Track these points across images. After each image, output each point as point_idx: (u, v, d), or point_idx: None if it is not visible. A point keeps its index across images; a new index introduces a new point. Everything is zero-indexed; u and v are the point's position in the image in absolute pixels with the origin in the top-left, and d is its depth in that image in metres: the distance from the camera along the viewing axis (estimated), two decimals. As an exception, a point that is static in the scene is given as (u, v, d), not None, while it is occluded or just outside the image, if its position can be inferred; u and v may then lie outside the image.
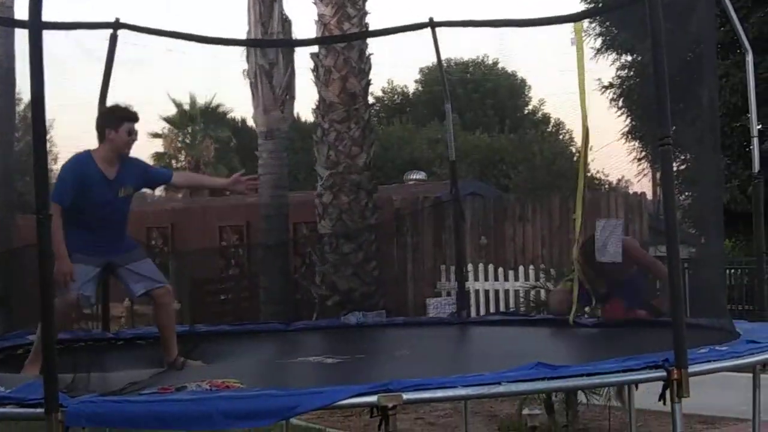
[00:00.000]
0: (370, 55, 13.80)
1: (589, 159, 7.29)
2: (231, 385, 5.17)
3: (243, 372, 6.19)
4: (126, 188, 7.00)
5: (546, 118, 43.45)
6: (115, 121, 6.89)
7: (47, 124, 4.66)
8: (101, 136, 6.90)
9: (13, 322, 10.62)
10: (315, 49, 13.91)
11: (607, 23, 20.85)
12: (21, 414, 4.62)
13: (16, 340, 7.62)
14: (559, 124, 43.10)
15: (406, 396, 4.62)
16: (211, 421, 4.46)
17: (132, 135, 6.91)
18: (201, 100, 37.86)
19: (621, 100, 21.75)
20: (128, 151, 6.98)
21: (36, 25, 4.54)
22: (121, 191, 6.96)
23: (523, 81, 44.32)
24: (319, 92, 13.90)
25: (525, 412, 9.07)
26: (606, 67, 24.33)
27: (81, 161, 6.91)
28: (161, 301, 7.09)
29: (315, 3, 13.69)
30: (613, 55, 21.89)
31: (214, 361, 7.16)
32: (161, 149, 37.66)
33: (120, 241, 7.06)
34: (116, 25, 8.52)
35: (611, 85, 21.80)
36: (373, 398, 4.57)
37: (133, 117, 7.00)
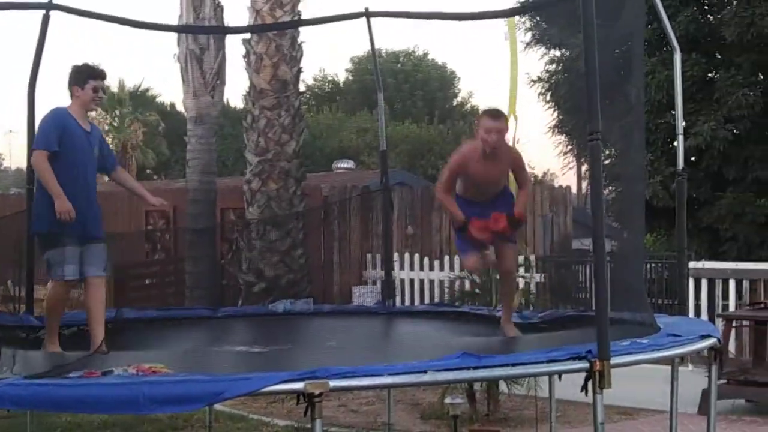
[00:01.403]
0: (302, 42, 13.81)
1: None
2: (158, 370, 5.15)
3: (170, 359, 6.18)
4: (96, 148, 7.34)
5: (474, 111, 43.70)
6: (81, 78, 7.23)
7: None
8: (71, 93, 7.28)
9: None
10: (247, 35, 13.86)
11: (537, 18, 21.03)
12: (-56, 396, 4.57)
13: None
14: (487, 116, 43.39)
15: (332, 383, 4.66)
16: (137, 406, 4.46)
17: (98, 92, 7.25)
18: (129, 83, 37.52)
19: (549, 94, 21.93)
20: (94, 107, 7.47)
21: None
22: (96, 150, 7.32)
23: (452, 73, 44.57)
24: (250, 78, 13.86)
25: (447, 401, 9.15)
26: (535, 61, 24.56)
27: (60, 112, 7.25)
28: (96, 288, 7.17)
29: (248, -11, 13.66)
30: (542, 50, 22.08)
31: (140, 346, 7.14)
32: (88, 131, 37.25)
33: (96, 220, 7.30)
34: (49, 6, 8.43)
35: (539, 80, 21.98)
36: (300, 385, 4.60)
37: (98, 75, 7.33)
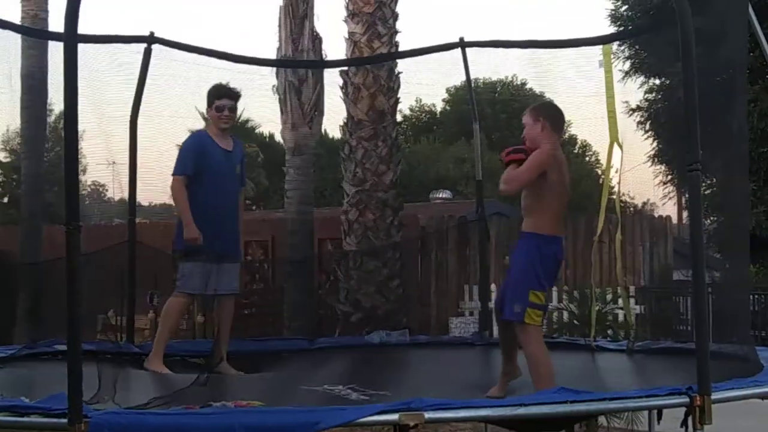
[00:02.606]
0: (399, 73, 13.82)
1: (616, 181, 7.22)
2: (255, 406, 5.21)
3: (266, 395, 6.22)
4: (238, 165, 7.72)
5: (572, 140, 43.42)
6: (209, 99, 7.69)
7: (77, 135, 4.73)
8: (208, 115, 7.82)
9: (42, 331, 10.71)
10: (344, 66, 13.95)
11: (636, 46, 20.85)
12: (45, 424, 4.66)
13: (44, 348, 7.71)
14: (585, 146, 43.07)
15: (427, 415, 4.65)
16: (234, 434, 4.49)
17: (222, 111, 7.60)
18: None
19: (648, 123, 21.70)
20: (223, 126, 7.70)
21: (71, 38, 4.60)
22: (237, 167, 7.69)
23: (551, 102, 44.30)
24: (347, 109, 13.92)
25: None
26: (634, 90, 24.28)
27: (197, 135, 7.79)
28: (226, 304, 7.76)
29: (345, 21, 13.72)
30: (641, 78, 21.88)
31: (238, 380, 7.20)
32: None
33: (233, 236, 7.63)
34: (150, 40, 8.62)
35: (639, 108, 21.76)
36: (394, 416, 4.61)
37: (223, 94, 7.72)
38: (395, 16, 13.71)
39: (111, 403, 5.03)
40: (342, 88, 13.94)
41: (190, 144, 7.68)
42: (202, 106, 8.08)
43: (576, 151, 42.14)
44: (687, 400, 4.92)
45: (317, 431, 4.77)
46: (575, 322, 10.42)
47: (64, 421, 4.46)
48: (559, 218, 6.23)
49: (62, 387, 4.53)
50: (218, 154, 7.52)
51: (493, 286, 9.92)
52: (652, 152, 22.29)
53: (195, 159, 7.45)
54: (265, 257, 18.16)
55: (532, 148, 6.26)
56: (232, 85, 8.12)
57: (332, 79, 13.78)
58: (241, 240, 7.92)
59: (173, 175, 7.59)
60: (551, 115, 6.32)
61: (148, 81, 8.70)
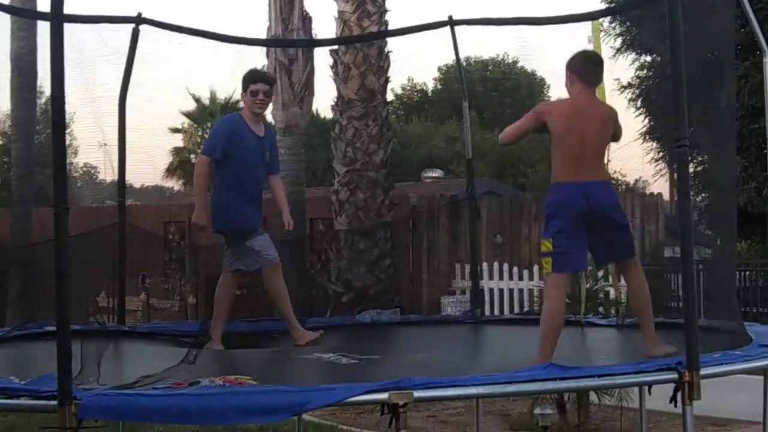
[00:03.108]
0: (389, 52, 13.82)
1: (606, 159, 7.18)
2: (244, 381, 5.21)
3: (257, 368, 6.23)
4: (267, 152, 7.75)
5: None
6: (244, 84, 7.69)
7: (67, 117, 4.72)
8: (243, 100, 7.81)
9: (32, 313, 10.71)
10: (334, 45, 13.92)
11: (627, 23, 20.80)
12: (35, 406, 4.65)
13: (34, 329, 7.71)
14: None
15: (417, 394, 4.64)
16: (224, 416, 4.50)
17: (257, 96, 7.60)
18: (221, 95, 37.91)
19: (639, 100, 21.69)
20: (258, 110, 7.71)
21: (58, 18, 4.58)
22: (266, 154, 7.73)
23: (542, 80, 44.25)
24: (337, 89, 13.91)
25: (537, 411, 9.06)
26: (625, 67, 24.26)
27: (232, 118, 7.83)
28: (271, 272, 7.82)
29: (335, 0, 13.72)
30: (633, 55, 21.84)
31: (228, 357, 7.21)
32: (181, 144, 37.70)
33: (258, 217, 7.77)
34: (138, 20, 8.58)
35: (630, 85, 21.74)
36: (384, 395, 4.60)
37: (257, 78, 7.75)
38: (385, -6, 13.70)
39: (95, 383, 5.03)
40: (332, 67, 13.94)
41: (223, 127, 7.78)
42: (193, 87, 8.07)
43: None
44: (676, 375, 4.92)
45: (306, 411, 4.78)
46: (566, 300, 10.42)
47: (54, 402, 4.45)
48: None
49: (51, 367, 4.53)
50: (250, 139, 7.56)
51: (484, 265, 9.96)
52: (644, 129, 22.28)
53: (226, 143, 7.52)
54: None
55: None
56: (222, 68, 8.16)
57: (322, 58, 13.77)
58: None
59: (201, 153, 7.83)
60: (578, 68, 6.33)
61: (136, 62, 8.66)
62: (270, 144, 7.87)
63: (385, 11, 13.78)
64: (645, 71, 21.78)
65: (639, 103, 21.78)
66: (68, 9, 4.73)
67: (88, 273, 10.26)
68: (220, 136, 7.63)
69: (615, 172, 32.01)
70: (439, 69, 43.83)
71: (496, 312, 16.16)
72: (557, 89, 39.41)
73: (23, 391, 4.71)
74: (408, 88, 45.65)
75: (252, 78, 7.73)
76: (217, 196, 7.68)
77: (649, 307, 6.26)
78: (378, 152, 13.80)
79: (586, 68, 6.37)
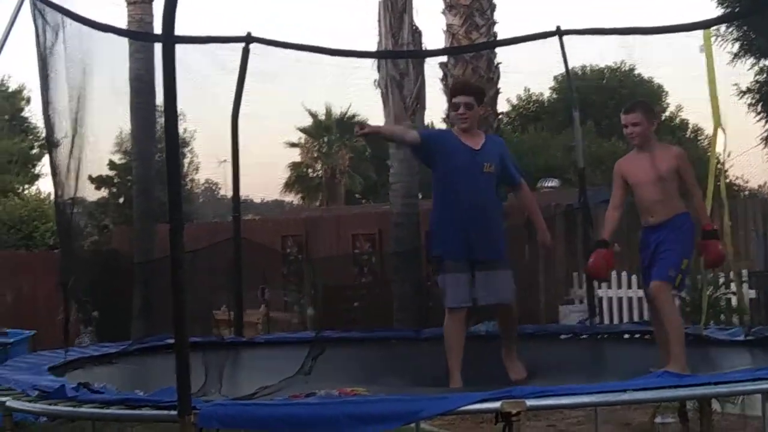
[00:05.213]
0: (498, 64, 13.82)
1: (727, 165, 7.14)
2: (359, 393, 5.28)
3: (372, 380, 6.30)
4: (489, 164, 7.02)
5: (684, 124, 42.61)
6: (448, 97, 7.46)
7: (189, 135, 4.88)
8: None
9: (154, 327, 10.99)
10: (444, 58, 13.97)
11: (745, 28, 20.40)
12: (156, 416, 4.81)
13: (155, 342, 7.93)
14: (697, 130, 42.23)
15: (529, 402, 4.65)
16: (338, 425, 4.57)
17: (458, 109, 7.02)
18: (336, 110, 38.27)
19: (759, 105, 21.24)
20: (461, 125, 7.06)
21: (169, 40, 4.72)
22: (486, 166, 6.99)
23: (659, 87, 43.60)
24: (448, 101, 13.95)
25: (658, 420, 8.94)
26: (744, 72, 23.77)
27: (441, 131, 7.78)
28: (504, 318, 7.16)
29: (444, 13, 13.77)
30: (751, 60, 21.40)
31: (343, 368, 7.29)
32: (298, 159, 38.16)
33: (488, 239, 6.96)
34: (248, 39, 8.76)
35: (749, 90, 21.31)
36: (496, 404, 4.62)
37: (457, 91, 7.23)
38: (492, 7, 13.69)
39: (218, 395, 5.16)
40: (442, 80, 13.97)
41: (433, 130, 7.58)
42: (308, 102, 8.07)
43: (688, 136, 41.35)
44: (794, 382, 4.84)
45: (420, 419, 4.83)
46: (687, 309, 10.27)
47: (174, 413, 4.59)
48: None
49: (172, 380, 4.67)
50: (460, 153, 6.94)
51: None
52: (765, 135, 21.80)
53: (433, 140, 7.16)
54: (373, 250, 18.29)
55: None
56: (336, 84, 8.01)
57: (432, 71, 13.77)
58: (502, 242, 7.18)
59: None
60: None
61: (250, 79, 8.84)
62: (498, 155, 7.12)
63: (494, 23, 13.80)
64: (765, 75, 21.32)
65: (759, 108, 21.33)
66: (180, 30, 4.87)
67: (209, 286, 10.49)
68: (430, 132, 7.62)
69: (737, 178, 31.31)
70: (555, 78, 43.54)
71: (615, 320, 15.96)
72: (675, 97, 38.69)
73: (146, 402, 4.86)
74: (524, 98, 45.44)
75: (453, 90, 7.31)
76: (431, 216, 7.22)
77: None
78: (490, 163, 13.78)
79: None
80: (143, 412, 4.86)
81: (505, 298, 6.96)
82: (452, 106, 7.15)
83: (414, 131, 7.41)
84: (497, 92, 14.02)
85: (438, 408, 4.69)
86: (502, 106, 15.32)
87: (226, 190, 9.51)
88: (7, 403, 5.54)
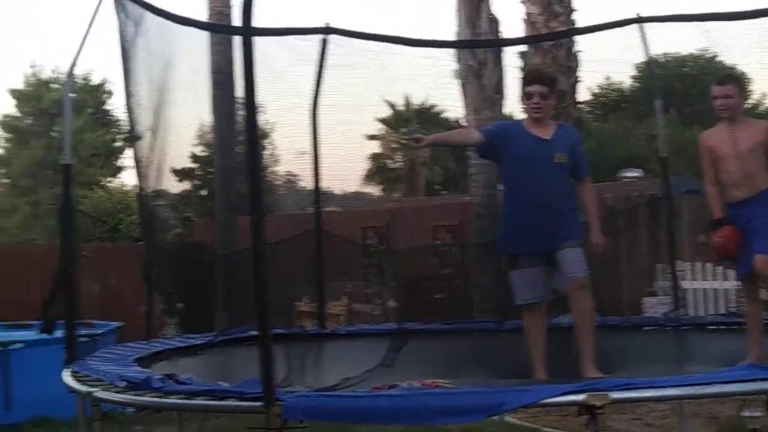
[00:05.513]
0: (577, 52, 13.68)
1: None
2: (441, 385, 5.28)
3: (454, 372, 6.29)
4: (560, 155, 6.84)
5: (768, 113, 41.93)
6: (520, 86, 7.12)
7: (269, 127, 4.92)
8: None
9: (237, 319, 11.09)
10: (523, 48, 13.88)
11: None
12: (241, 407, 4.86)
13: (238, 334, 8.01)
14: (797, 115, 41.54)
15: (613, 395, 4.60)
16: (421, 416, 4.58)
17: (531, 98, 6.90)
18: (415, 101, 38.26)
19: None
20: (534, 114, 6.92)
21: (248, 32, 4.76)
22: (556, 156, 6.83)
23: (743, 74, 42.84)
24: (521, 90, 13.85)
25: (745, 414, 8.79)
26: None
27: (508, 122, 7.65)
28: (574, 294, 6.77)
29: (522, 2, 13.68)
30: None
31: (426, 360, 7.28)
32: (377, 150, 38.24)
33: (561, 232, 6.75)
34: (327, 30, 8.78)
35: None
36: (580, 397, 4.58)
37: (530, 80, 7.11)
38: (572, -5, 13.56)
39: (300, 386, 5.19)
40: (521, 69, 13.87)
41: (497, 124, 7.54)
42: (387, 93, 8.06)
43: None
44: None
45: (503, 412, 4.81)
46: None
47: (260, 404, 4.63)
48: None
49: (255, 372, 4.70)
50: (526, 143, 6.81)
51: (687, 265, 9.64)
52: None
53: (498, 132, 7.02)
54: (454, 241, 18.25)
55: None
56: (416, 75, 7.93)
57: (511, 61, 13.67)
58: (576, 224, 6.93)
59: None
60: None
61: (329, 70, 8.87)
62: (568, 146, 6.95)
63: (572, 11, 13.67)
64: None
65: None
66: (258, 22, 4.91)
67: (291, 278, 10.55)
68: (492, 128, 7.21)
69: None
70: (636, 66, 43.00)
71: (699, 312, 15.75)
72: (759, 85, 37.99)
73: (231, 393, 4.91)
74: (605, 87, 44.98)
75: (526, 79, 7.14)
76: (503, 213, 7.16)
77: None
78: (571, 153, 13.67)
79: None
80: (228, 403, 4.91)
81: (575, 273, 6.69)
82: (525, 96, 6.98)
83: (475, 131, 7.31)
84: (576, 81, 13.88)
85: (521, 400, 4.67)
86: (583, 96, 15.31)
87: (306, 182, 9.56)
88: (96, 394, 5.64)
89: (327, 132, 9.25)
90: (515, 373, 6.54)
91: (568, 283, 6.71)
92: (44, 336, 7.63)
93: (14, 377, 10.90)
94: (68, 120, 7.80)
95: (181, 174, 23.79)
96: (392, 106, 37.56)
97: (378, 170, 37.24)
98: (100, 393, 5.63)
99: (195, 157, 24.94)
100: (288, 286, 10.33)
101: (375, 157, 37.60)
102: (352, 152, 8.59)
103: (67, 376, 6.29)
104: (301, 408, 4.65)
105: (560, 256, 6.70)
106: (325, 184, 9.53)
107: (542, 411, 8.75)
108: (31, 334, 11.64)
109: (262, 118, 5.50)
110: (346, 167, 10.04)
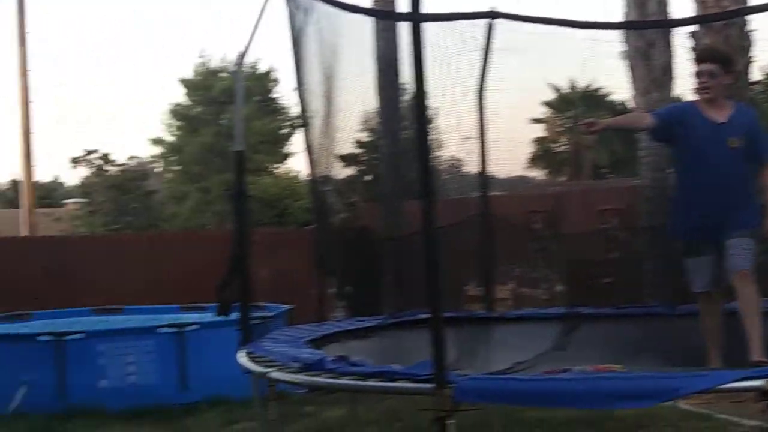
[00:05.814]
0: (751, 31, 13.25)
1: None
2: (615, 370, 5.23)
3: (626, 357, 6.20)
4: (734, 139, 6.59)
5: None
6: (694, 65, 6.83)
7: (433, 112, 4.94)
8: None
9: (405, 302, 11.18)
10: (694, 28, 13.52)
11: None
12: (412, 389, 4.91)
13: (408, 318, 8.08)
14: None
15: (794, 381, 4.48)
16: (595, 401, 4.55)
17: (700, 77, 6.66)
18: (580, 84, 37.78)
19: None
20: (704, 94, 6.67)
21: (416, 18, 4.80)
22: (731, 140, 6.57)
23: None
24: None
25: None
26: None
27: (681, 104, 7.32)
28: (740, 285, 6.41)
29: (692, -20, 13.32)
30: None
31: (596, 345, 7.21)
32: (543, 134, 37.93)
33: (736, 219, 6.52)
34: (492, 15, 8.77)
35: None
36: (759, 382, 4.47)
37: (699, 58, 6.87)
38: (745, -28, 13.14)
39: (470, 370, 5.21)
40: (693, 49, 13.53)
41: (670, 106, 7.46)
42: (552, 76, 7.98)
43: None
44: None
45: (678, 397, 4.73)
46: None
47: (432, 386, 4.67)
48: None
49: (425, 355, 4.74)
50: (700, 126, 6.57)
51: None
52: None
53: (670, 114, 6.81)
54: (622, 225, 17.97)
55: None
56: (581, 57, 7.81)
57: (682, 42, 13.32)
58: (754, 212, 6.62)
59: None
60: None
61: (494, 54, 8.86)
62: (743, 129, 6.62)
63: (743, -12, 13.24)
64: None
65: None
66: (423, 8, 4.94)
67: (458, 263, 10.57)
68: (665, 110, 7.06)
69: None
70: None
71: None
72: None
73: (403, 375, 4.97)
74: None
75: (697, 58, 6.88)
76: (674, 199, 6.98)
77: None
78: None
79: None
80: (401, 384, 4.96)
81: (738, 265, 6.40)
82: (695, 75, 6.72)
83: (647, 115, 7.06)
84: (750, 61, 13.45)
85: (697, 386, 4.58)
86: (757, 76, 14.75)
87: (470, 166, 9.53)
88: (272, 375, 5.78)
89: (491, 116, 9.24)
90: (687, 359, 6.41)
91: (731, 274, 6.46)
92: (219, 318, 7.82)
93: (190, 358, 11.23)
94: (240, 107, 8.00)
95: (347, 159, 24.07)
96: (557, 89, 37.18)
97: (543, 154, 36.97)
98: (275, 373, 5.77)
99: (360, 143, 25.19)
100: (455, 270, 10.34)
101: (540, 141, 37.33)
102: (516, 136, 8.53)
103: (242, 357, 6.46)
104: (473, 390, 4.67)
105: (728, 245, 6.47)
106: (490, 169, 9.52)
107: (716, 397, 8.51)
108: (206, 316, 12.01)
109: (430, 103, 5.54)
110: (510, 151, 9.99)
